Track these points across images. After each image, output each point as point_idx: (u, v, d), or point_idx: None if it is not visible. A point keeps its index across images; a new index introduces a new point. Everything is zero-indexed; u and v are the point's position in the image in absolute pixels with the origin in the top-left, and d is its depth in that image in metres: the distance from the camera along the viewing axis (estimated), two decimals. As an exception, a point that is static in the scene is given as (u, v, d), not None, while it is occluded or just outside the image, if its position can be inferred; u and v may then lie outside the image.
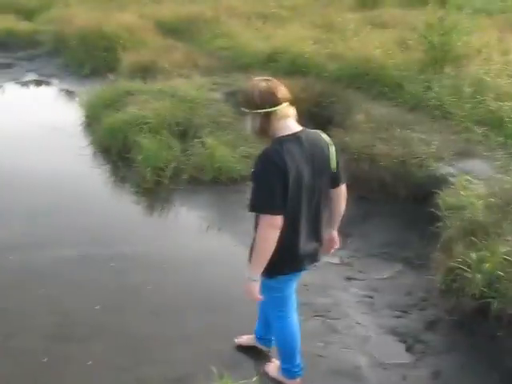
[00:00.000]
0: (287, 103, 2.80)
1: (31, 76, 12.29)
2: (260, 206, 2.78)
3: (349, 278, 4.75)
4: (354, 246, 5.23)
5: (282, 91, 2.78)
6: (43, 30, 14.80)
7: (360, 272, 4.84)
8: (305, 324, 3.96)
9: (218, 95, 7.99)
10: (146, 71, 9.14)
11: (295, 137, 2.79)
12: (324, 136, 2.97)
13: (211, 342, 3.85)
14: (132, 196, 6.29)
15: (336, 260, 4.98)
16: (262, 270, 2.85)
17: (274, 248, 2.78)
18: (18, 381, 3.47)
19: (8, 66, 13.35)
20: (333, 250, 3.37)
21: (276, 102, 2.74)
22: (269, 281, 3.02)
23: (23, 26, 15.40)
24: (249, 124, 2.86)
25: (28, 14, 17.33)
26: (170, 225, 5.78)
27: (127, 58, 10.11)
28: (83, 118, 8.60)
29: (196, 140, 6.61)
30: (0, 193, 6.14)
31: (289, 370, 3.42)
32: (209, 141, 6.39)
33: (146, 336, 3.90)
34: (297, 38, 9.72)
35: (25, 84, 11.85)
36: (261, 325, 3.63)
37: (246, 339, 3.78)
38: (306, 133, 2.85)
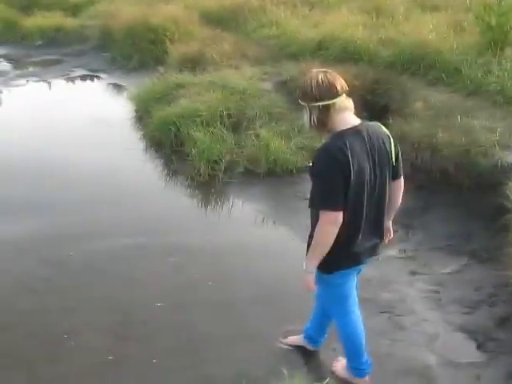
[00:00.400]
0: (345, 95, 2.72)
1: (79, 71, 12.42)
2: (321, 202, 2.73)
3: (413, 272, 4.59)
4: (416, 238, 5.06)
5: (341, 83, 2.70)
6: (89, 25, 14.95)
7: (424, 266, 4.67)
8: (370, 321, 3.84)
9: (268, 85, 7.87)
10: (194, 63, 9.08)
11: (356, 130, 2.72)
12: (383, 128, 2.89)
13: (272, 339, 3.76)
14: (186, 189, 6.26)
15: (398, 253, 4.83)
16: (317, 263, 2.82)
17: (331, 244, 2.74)
18: (88, 379, 3.46)
19: (57, 61, 13.55)
20: (387, 241, 3.27)
21: (335, 94, 2.66)
22: (328, 276, 2.96)
23: (70, 22, 15.61)
24: (306, 118, 2.79)
25: (74, 11, 17.58)
26: (225, 218, 5.72)
27: (175, 50, 10.07)
28: (133, 112, 8.63)
29: (249, 132, 6.52)
30: (55, 184, 6.22)
31: (356, 368, 3.32)
32: (262, 132, 6.28)
33: (208, 333, 3.85)
34: (346, 24, 9.46)
35: (73, 79, 11.99)
36: (313, 325, 3.53)
37: (293, 340, 3.69)
38: (365, 126, 2.78)
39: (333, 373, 3.46)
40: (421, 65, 7.62)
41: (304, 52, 8.97)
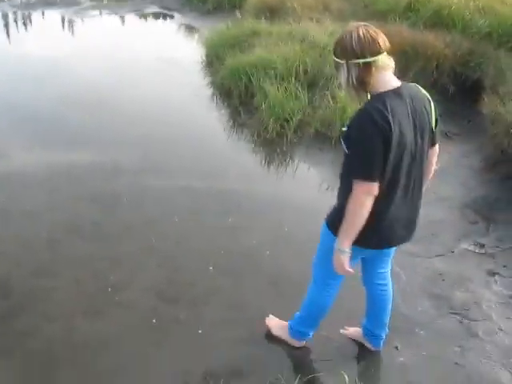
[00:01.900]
0: (387, 53, 2.38)
1: (153, 8, 12.14)
2: (356, 171, 2.41)
3: (491, 273, 4.12)
4: (498, 234, 4.55)
5: (383, 39, 2.35)
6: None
7: (504, 267, 4.19)
8: (440, 322, 3.50)
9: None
10: (273, 11, 8.62)
11: (397, 92, 2.39)
12: (422, 90, 2.56)
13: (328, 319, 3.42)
14: (251, 145, 5.89)
15: (476, 248, 4.36)
16: (352, 240, 2.50)
17: (366, 216, 2.43)
18: (125, 342, 3.21)
19: (131, -5, 13.27)
20: None
21: (378, 51, 2.33)
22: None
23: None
24: (344, 77, 2.42)
25: None
26: (288, 181, 5.34)
27: (254, -5, 9.58)
28: (204, 57, 8.29)
29: (325, 92, 6.04)
30: (119, 119, 6.36)
31: (302, 332, 3.14)
32: (340, 94, 5.80)
33: (262, 308, 3.53)
34: (441, -14, 8.73)
35: (146, 16, 11.72)
36: (370, 318, 3.17)
37: (353, 332, 3.35)
38: (407, 87, 2.46)
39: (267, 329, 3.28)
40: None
41: (392, 11, 8.34)
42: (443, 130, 5.54)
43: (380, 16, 8.29)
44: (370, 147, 2.33)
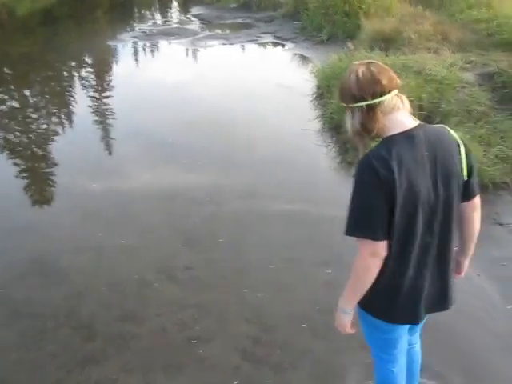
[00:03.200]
0: (396, 91, 2.07)
1: (267, 38, 12.18)
2: (358, 228, 2.06)
3: None
4: None
5: (389, 76, 2.05)
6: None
7: None
8: None
9: (471, 76, 6.77)
10: (388, 41, 8.25)
11: (409, 135, 2.03)
12: (452, 132, 2.14)
13: None
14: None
15: None
16: (355, 302, 2.20)
17: (373, 279, 2.10)
18: None
19: (247, 26, 13.47)
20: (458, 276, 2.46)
21: (381, 92, 2.03)
22: (368, 315, 2.27)
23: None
24: (348, 122, 2.14)
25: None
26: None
27: (369, 25, 9.28)
28: (315, 88, 8.09)
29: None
30: (229, 140, 6.60)
31: None
32: (459, 134, 5.30)
33: (360, 381, 3.16)
34: None
35: (260, 45, 11.78)
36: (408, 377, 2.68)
37: None
38: (423, 129, 2.08)
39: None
40: None
41: (520, 41, 7.67)
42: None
43: (506, 46, 7.67)
44: (369, 200, 2.00)
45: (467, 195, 2.17)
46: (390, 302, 2.18)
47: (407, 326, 2.35)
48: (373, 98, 2.02)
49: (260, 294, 3.82)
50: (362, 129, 2.07)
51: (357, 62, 2.13)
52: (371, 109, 2.03)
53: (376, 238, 2.01)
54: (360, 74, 2.04)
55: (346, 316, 2.21)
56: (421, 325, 2.50)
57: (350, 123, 2.11)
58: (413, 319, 2.25)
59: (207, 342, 3.37)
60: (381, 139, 2.07)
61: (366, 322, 2.33)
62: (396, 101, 2.05)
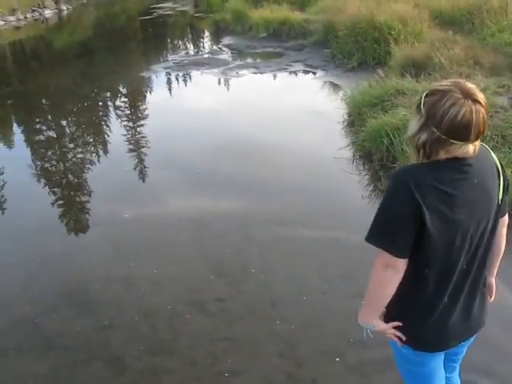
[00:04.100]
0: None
1: (298, 66, 12.25)
2: (378, 236, 1.98)
3: None
4: None
5: (482, 126, 1.84)
6: (313, 19, 14.77)
7: None
8: None
9: (505, 101, 6.66)
10: (419, 67, 8.20)
11: (461, 163, 1.91)
12: (492, 155, 2.06)
13: None
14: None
15: None
16: (374, 318, 2.12)
17: (390, 294, 2.02)
18: None
19: (277, 54, 13.59)
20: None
21: (465, 139, 1.85)
22: (401, 346, 2.14)
23: (295, 16, 15.62)
24: (413, 129, 1.96)
25: (301, 5, 17.65)
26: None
27: (399, 52, 9.25)
28: (345, 116, 8.07)
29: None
30: (257, 169, 6.68)
31: None
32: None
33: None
34: None
35: (291, 73, 11.86)
36: None
37: None
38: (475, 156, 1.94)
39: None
40: None
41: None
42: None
43: (540, 69, 7.55)
44: (395, 214, 1.92)
45: (499, 214, 2.09)
46: (423, 331, 2.09)
47: (440, 357, 2.26)
48: (454, 139, 1.86)
49: (292, 326, 3.75)
50: (423, 147, 1.94)
51: (466, 91, 1.84)
52: (445, 141, 1.88)
53: (395, 254, 1.94)
54: (461, 114, 1.82)
55: (376, 329, 2.14)
56: (459, 361, 2.41)
57: (416, 133, 1.95)
58: (444, 345, 2.15)
59: (239, 375, 3.32)
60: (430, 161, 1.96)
61: (397, 351, 2.23)
62: (472, 150, 1.90)
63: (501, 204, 2.05)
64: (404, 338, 2.11)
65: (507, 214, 2.18)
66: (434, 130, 1.87)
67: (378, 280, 2.02)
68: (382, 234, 1.96)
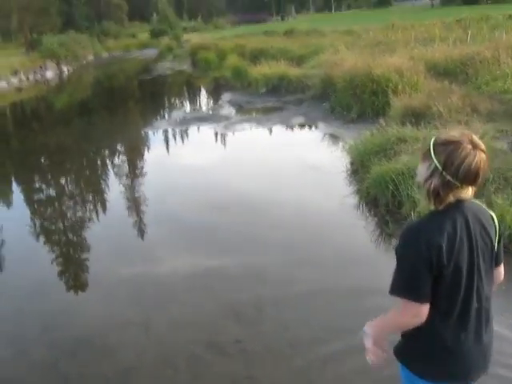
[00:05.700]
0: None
1: (298, 119, 12.55)
2: (403, 289, 2.13)
3: None
4: None
5: (483, 172, 2.04)
6: (311, 74, 15.23)
7: None
8: None
9: (503, 145, 6.89)
10: (418, 116, 8.47)
11: (462, 210, 2.12)
12: (484, 206, 2.28)
13: None
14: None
15: None
16: (380, 335, 2.31)
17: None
18: None
19: (277, 109, 13.94)
20: None
21: (471, 183, 2.07)
22: (412, 375, 2.25)
23: (293, 71, 16.13)
24: (424, 173, 2.12)
25: (298, 60, 18.24)
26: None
27: (397, 102, 9.56)
28: (348, 164, 8.27)
29: (481, 199, 5.60)
30: (263, 222, 6.69)
31: None
32: (497, 200, 5.37)
33: None
34: None
35: (291, 127, 12.13)
36: None
37: None
38: (471, 204, 2.18)
39: None
40: None
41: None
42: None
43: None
44: (414, 265, 2.07)
45: (495, 262, 2.24)
46: (436, 362, 2.19)
47: None
48: (462, 183, 2.05)
49: (311, 363, 3.81)
50: (433, 193, 2.10)
51: (474, 142, 2.02)
52: (452, 185, 2.07)
53: (420, 301, 2.09)
54: (473, 164, 2.01)
55: (369, 339, 2.30)
56: None
57: (425, 178, 2.11)
58: (460, 379, 2.25)
59: None
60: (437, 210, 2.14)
61: (408, 379, 2.29)
62: (469, 194, 2.12)
63: (496, 252, 2.20)
64: None
65: (502, 266, 2.29)
66: (449, 177, 2.04)
67: (404, 323, 2.17)
68: (408, 287, 2.11)
